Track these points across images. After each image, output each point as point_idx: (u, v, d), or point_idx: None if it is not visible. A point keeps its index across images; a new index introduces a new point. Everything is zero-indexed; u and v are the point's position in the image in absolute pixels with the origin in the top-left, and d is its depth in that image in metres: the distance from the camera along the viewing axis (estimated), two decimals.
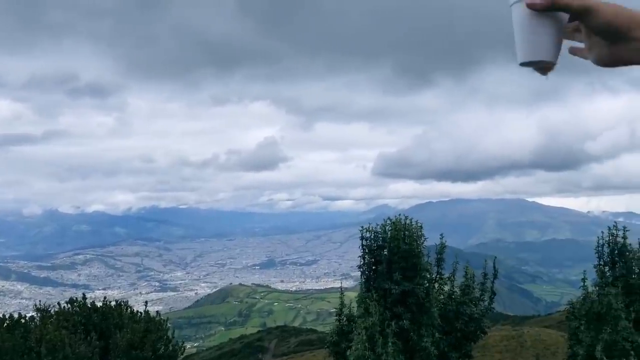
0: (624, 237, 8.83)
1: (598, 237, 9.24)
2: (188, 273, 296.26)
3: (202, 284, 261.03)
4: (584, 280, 8.93)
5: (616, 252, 8.92)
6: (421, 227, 9.23)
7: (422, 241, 9.21)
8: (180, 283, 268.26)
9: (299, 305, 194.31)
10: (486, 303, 9.65)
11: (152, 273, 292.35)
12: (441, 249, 9.57)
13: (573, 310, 8.94)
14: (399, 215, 9.43)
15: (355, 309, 9.42)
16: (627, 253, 8.71)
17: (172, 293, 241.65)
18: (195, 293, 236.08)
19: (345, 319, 9.26)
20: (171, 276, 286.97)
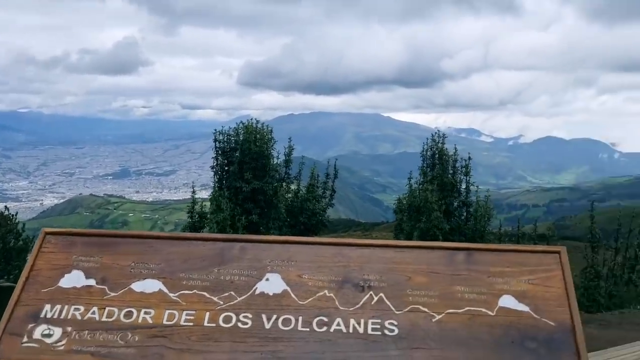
0: (442, 143, 10.27)
1: (424, 143, 10.61)
2: (31, 183, 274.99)
3: (48, 195, 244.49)
4: (409, 179, 10.32)
5: (436, 156, 10.36)
6: (271, 130, 9.92)
7: (272, 144, 9.93)
8: (23, 193, 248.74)
9: (156, 216, 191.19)
10: (327, 200, 10.79)
11: None
12: (289, 151, 10.38)
13: (399, 204, 10.35)
14: (251, 119, 10.01)
15: (208, 207, 10.02)
16: (444, 156, 10.18)
17: (14, 203, 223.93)
18: (41, 204, 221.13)
19: (197, 215, 9.84)
20: (12, 186, 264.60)
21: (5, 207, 13.92)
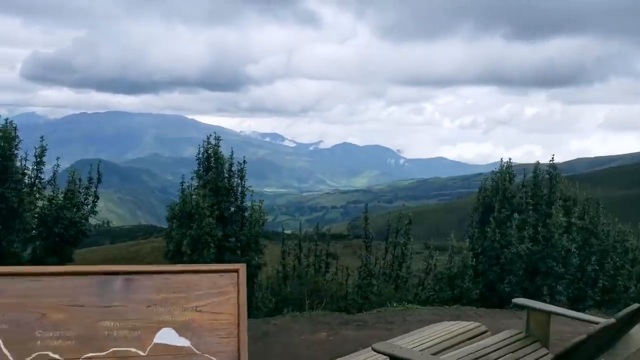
0: (217, 146, 9.90)
1: (199, 146, 10.12)
2: None
3: None
4: (182, 184, 9.74)
5: (212, 159, 9.94)
6: (15, 128, 8.58)
7: (16, 143, 8.57)
8: None
9: None
10: (90, 207, 9.70)
11: None
12: (41, 152, 9.08)
13: (171, 210, 9.70)
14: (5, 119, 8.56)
15: None
16: (219, 160, 9.83)
17: None
18: None
19: None
20: None
21: None
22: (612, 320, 2.91)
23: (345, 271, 12.43)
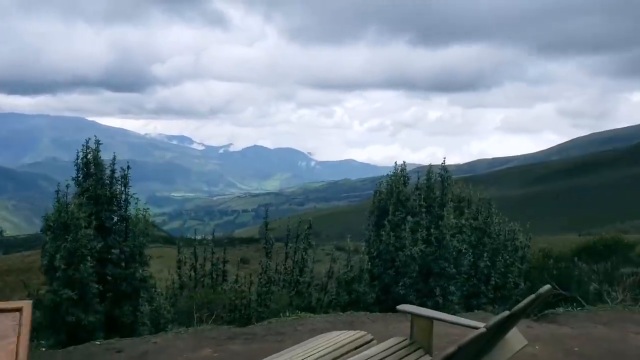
0: (97, 150, 9.13)
1: (77, 151, 9.29)
2: None
3: None
4: (57, 192, 8.90)
5: (91, 164, 9.15)
6: None
7: None
8: None
9: None
10: None
11: None
12: None
13: (47, 221, 8.84)
14: None
15: None
16: (99, 165, 9.07)
17: None
18: None
19: None
20: None
21: None
22: (483, 329, 2.77)
23: (248, 278, 12.06)
